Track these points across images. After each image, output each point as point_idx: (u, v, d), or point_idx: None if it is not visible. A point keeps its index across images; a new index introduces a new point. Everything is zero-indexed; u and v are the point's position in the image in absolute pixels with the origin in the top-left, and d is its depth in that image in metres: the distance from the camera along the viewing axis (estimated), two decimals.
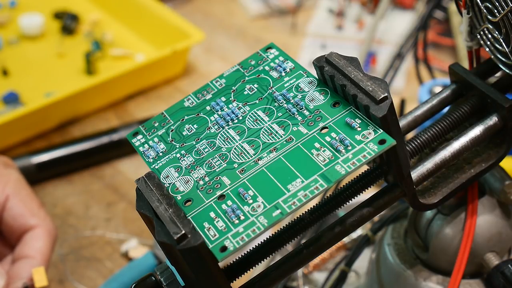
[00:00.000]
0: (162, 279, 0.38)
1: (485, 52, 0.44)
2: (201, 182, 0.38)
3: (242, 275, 0.38)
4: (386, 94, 0.36)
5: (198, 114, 0.42)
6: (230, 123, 0.40)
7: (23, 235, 0.55)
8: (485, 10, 0.42)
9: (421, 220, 0.47)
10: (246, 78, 0.42)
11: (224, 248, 0.34)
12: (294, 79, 0.41)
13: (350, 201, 0.40)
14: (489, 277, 0.46)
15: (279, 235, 0.39)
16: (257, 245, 0.39)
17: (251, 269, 0.39)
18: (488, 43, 0.44)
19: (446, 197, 0.43)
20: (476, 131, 0.42)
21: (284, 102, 0.40)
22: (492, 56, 0.44)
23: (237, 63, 0.44)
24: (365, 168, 0.39)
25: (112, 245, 0.67)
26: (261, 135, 0.39)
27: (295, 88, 0.40)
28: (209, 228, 0.35)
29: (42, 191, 0.73)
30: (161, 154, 0.40)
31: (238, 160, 0.38)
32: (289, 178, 0.36)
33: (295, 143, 0.38)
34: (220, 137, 0.40)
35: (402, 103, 0.70)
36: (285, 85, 0.41)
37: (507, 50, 0.42)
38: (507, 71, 0.43)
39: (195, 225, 0.36)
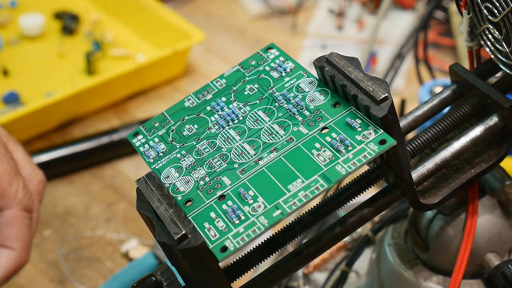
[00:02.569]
0: (162, 279, 0.38)
1: (486, 52, 0.44)
2: (202, 182, 0.38)
3: (243, 275, 0.38)
4: (386, 94, 0.36)
5: (199, 114, 0.42)
6: (230, 123, 0.40)
7: None
8: (485, 11, 0.42)
9: (422, 220, 0.47)
10: (247, 78, 0.42)
11: (224, 248, 0.34)
12: (295, 79, 0.41)
13: (350, 201, 0.40)
14: (489, 278, 0.46)
15: (279, 235, 0.39)
16: (257, 245, 0.39)
17: (251, 269, 0.39)
18: (489, 43, 0.44)
19: (447, 197, 0.43)
20: (476, 131, 0.42)
21: (285, 102, 0.40)
22: (493, 56, 0.44)
23: (237, 63, 0.44)
24: (365, 168, 0.39)
25: (112, 245, 0.67)
26: (261, 135, 0.39)
27: (296, 88, 0.40)
28: (210, 228, 0.35)
29: None
30: (161, 154, 0.40)
31: (239, 160, 0.38)
32: (289, 178, 0.36)
33: (295, 143, 0.38)
34: (220, 137, 0.40)
35: (403, 103, 0.70)
36: (286, 85, 0.41)
37: (507, 50, 0.42)
38: (508, 71, 0.43)
39: (195, 225, 0.36)
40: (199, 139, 0.40)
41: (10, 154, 0.51)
